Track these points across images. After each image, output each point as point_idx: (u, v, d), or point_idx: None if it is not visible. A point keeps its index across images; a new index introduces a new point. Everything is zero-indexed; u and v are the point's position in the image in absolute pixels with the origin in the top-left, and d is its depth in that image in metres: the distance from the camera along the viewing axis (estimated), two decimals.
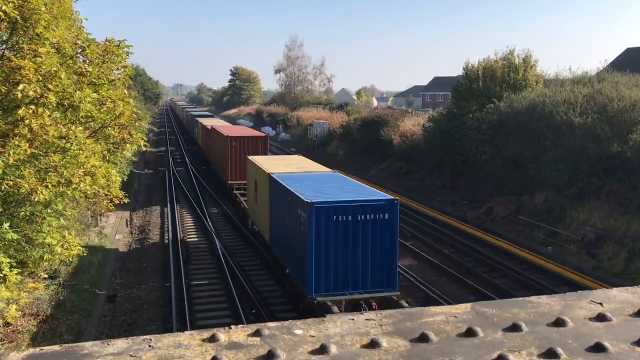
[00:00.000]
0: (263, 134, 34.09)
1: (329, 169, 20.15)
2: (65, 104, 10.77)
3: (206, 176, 40.01)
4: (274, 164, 20.67)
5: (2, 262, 9.49)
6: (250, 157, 23.55)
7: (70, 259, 12.03)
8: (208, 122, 46.63)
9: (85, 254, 12.48)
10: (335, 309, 13.46)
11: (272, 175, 18.01)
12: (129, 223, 27.69)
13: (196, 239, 25.08)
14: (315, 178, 17.67)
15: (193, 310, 17.02)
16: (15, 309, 9.76)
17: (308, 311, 14.48)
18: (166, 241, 24.52)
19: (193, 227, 27.10)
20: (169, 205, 30.82)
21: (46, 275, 13.22)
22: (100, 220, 26.85)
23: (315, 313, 13.64)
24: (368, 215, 14.09)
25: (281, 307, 17.32)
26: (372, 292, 14.22)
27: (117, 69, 13.01)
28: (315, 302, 13.85)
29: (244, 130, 39.42)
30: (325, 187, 16.05)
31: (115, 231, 26.48)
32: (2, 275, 9.46)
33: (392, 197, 15.23)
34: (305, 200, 14.00)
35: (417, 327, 2.18)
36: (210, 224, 26.65)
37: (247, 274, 19.96)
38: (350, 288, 14.12)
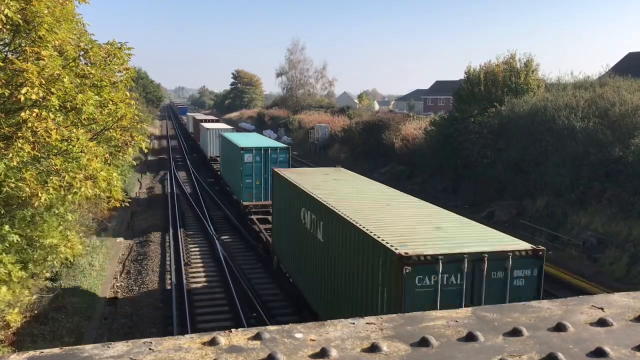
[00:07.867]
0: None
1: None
2: (67, 106, 10.77)
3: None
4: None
5: (4, 260, 9.47)
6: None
7: (72, 259, 12.01)
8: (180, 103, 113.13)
9: (85, 255, 12.47)
10: None
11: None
12: (130, 226, 27.68)
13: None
14: None
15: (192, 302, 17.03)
16: (17, 312, 9.73)
17: None
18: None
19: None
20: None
21: (48, 275, 13.18)
22: (102, 222, 26.83)
23: None
24: None
25: (282, 311, 17.30)
26: None
27: (120, 71, 13.00)
28: None
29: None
30: None
31: (117, 233, 26.48)
32: (6, 272, 9.43)
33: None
34: None
35: (418, 332, 2.18)
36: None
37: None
38: None
